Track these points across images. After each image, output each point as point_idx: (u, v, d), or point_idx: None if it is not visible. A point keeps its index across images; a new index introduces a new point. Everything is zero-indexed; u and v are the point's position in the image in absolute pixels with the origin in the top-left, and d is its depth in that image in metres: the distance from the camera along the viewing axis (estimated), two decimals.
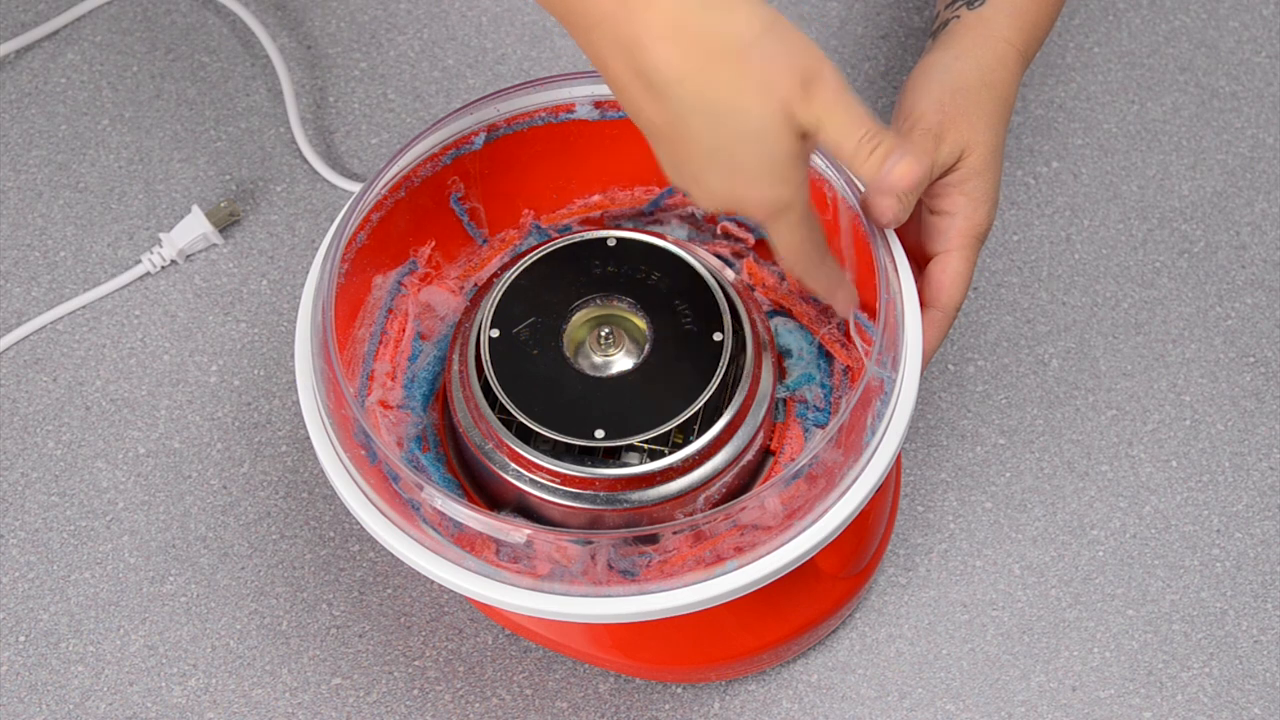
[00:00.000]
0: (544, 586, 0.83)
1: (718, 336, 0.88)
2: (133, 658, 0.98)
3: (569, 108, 0.94)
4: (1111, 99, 1.15)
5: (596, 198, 0.97)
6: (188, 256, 1.09)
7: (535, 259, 0.90)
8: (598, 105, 0.94)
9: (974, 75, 0.93)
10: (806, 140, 0.78)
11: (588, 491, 0.86)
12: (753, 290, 0.94)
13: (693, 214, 0.97)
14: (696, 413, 0.86)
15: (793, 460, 0.89)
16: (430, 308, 0.94)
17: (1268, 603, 0.99)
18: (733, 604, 0.84)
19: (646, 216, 0.97)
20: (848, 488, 0.84)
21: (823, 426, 0.91)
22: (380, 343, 0.93)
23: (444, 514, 0.84)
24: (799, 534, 0.83)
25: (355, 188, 1.10)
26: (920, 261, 0.92)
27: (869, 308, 0.91)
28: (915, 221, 0.93)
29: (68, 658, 0.98)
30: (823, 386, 0.91)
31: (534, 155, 0.95)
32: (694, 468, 0.86)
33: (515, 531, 0.83)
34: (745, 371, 0.88)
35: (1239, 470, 1.03)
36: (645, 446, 0.86)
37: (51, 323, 1.07)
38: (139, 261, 1.08)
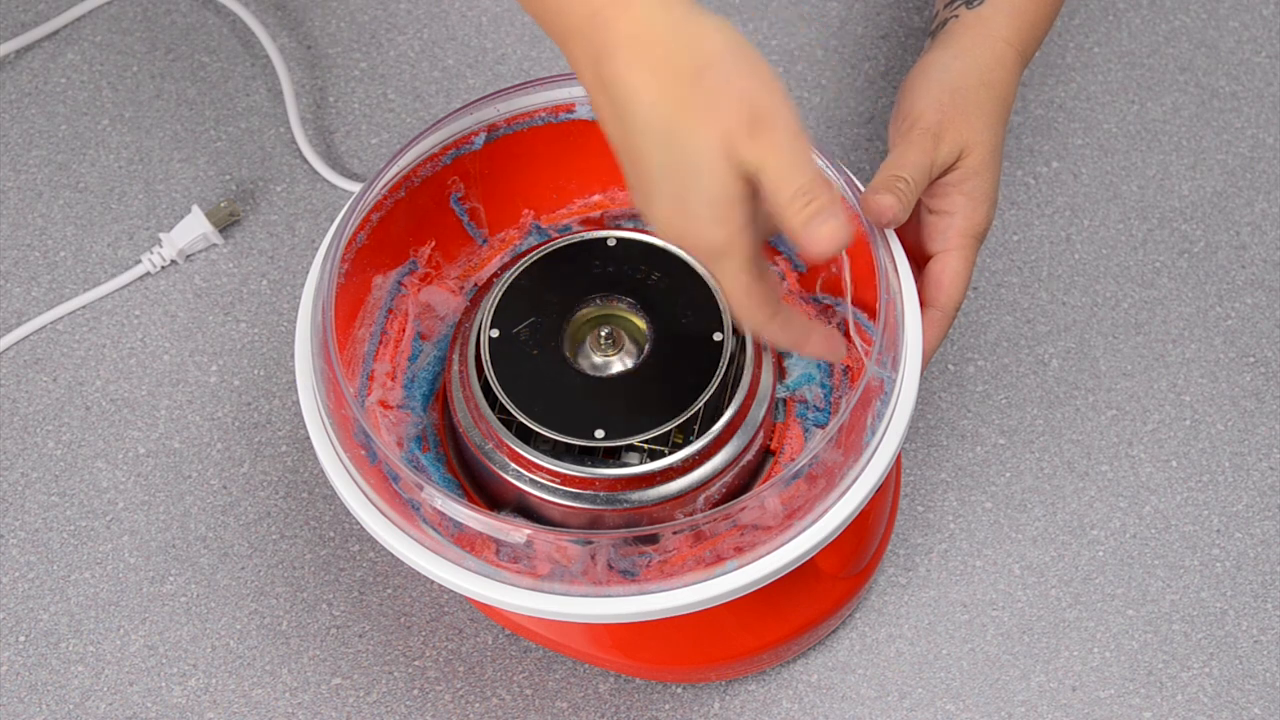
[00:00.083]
0: (544, 586, 0.83)
1: (718, 336, 0.88)
2: (133, 658, 0.98)
3: (569, 108, 0.94)
4: (1111, 99, 1.15)
5: (596, 198, 0.97)
6: (188, 256, 1.09)
7: (535, 259, 0.90)
8: None
9: (973, 75, 0.93)
10: (749, 184, 0.73)
11: (588, 491, 0.86)
12: None
13: None
14: (696, 413, 0.86)
15: (793, 460, 0.89)
16: (430, 308, 0.94)
17: (1268, 603, 0.99)
18: (733, 604, 0.84)
19: None
20: (848, 488, 0.84)
21: (823, 426, 0.91)
22: (380, 343, 0.93)
23: (444, 514, 0.84)
24: (799, 534, 0.83)
25: (355, 188, 1.10)
26: (919, 261, 0.92)
27: (869, 308, 0.91)
28: (914, 221, 0.93)
29: (68, 658, 0.98)
30: (823, 386, 0.91)
31: (534, 155, 0.95)
32: (694, 468, 0.86)
33: (515, 531, 0.83)
34: (745, 371, 0.88)
35: (1239, 470, 1.03)
36: (645, 446, 0.86)
37: (51, 323, 1.07)
38: (139, 261, 1.08)
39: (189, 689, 0.97)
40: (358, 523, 0.89)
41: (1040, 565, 1.00)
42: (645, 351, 0.88)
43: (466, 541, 0.84)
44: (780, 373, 0.92)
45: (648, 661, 0.94)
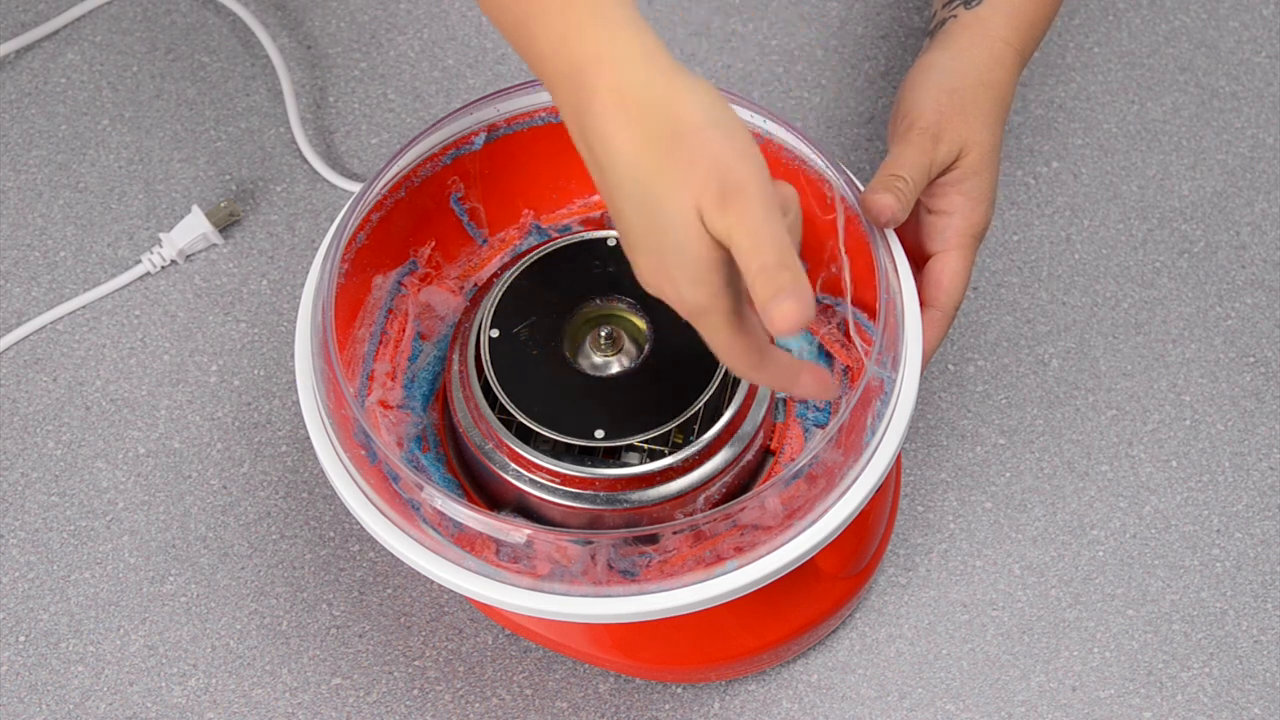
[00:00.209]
0: (544, 586, 0.83)
1: None
2: (133, 658, 0.98)
3: None
4: (1111, 99, 1.15)
5: (596, 198, 0.97)
6: (188, 256, 1.09)
7: (535, 259, 0.90)
8: None
9: (971, 75, 0.93)
10: (725, 248, 0.73)
11: (588, 491, 0.86)
12: None
13: None
14: (696, 413, 0.86)
15: (793, 460, 0.89)
16: (430, 308, 0.94)
17: (1268, 603, 0.99)
18: (733, 604, 0.84)
19: None
20: (848, 488, 0.84)
21: (823, 426, 0.91)
22: (380, 343, 0.93)
23: (444, 514, 0.84)
24: (799, 534, 0.83)
25: (355, 188, 1.10)
26: (919, 261, 0.92)
27: (869, 308, 0.91)
28: (914, 221, 0.93)
29: (68, 658, 0.98)
30: None
31: (534, 155, 0.95)
32: (694, 468, 0.86)
33: (515, 531, 0.83)
34: None
35: (1239, 470, 1.03)
36: (645, 446, 0.86)
37: (51, 323, 1.07)
38: (139, 261, 1.08)
39: (189, 689, 0.97)
40: (358, 523, 0.89)
41: (1040, 565, 1.00)
42: (645, 351, 0.88)
43: (466, 541, 0.84)
44: None
45: (648, 661, 0.94)
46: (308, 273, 0.95)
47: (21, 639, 0.98)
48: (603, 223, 0.97)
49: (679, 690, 0.97)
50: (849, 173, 0.90)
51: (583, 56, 0.74)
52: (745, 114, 0.92)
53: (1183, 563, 1.00)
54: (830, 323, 0.93)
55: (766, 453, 0.91)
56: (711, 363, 0.87)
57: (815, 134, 1.13)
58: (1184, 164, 1.13)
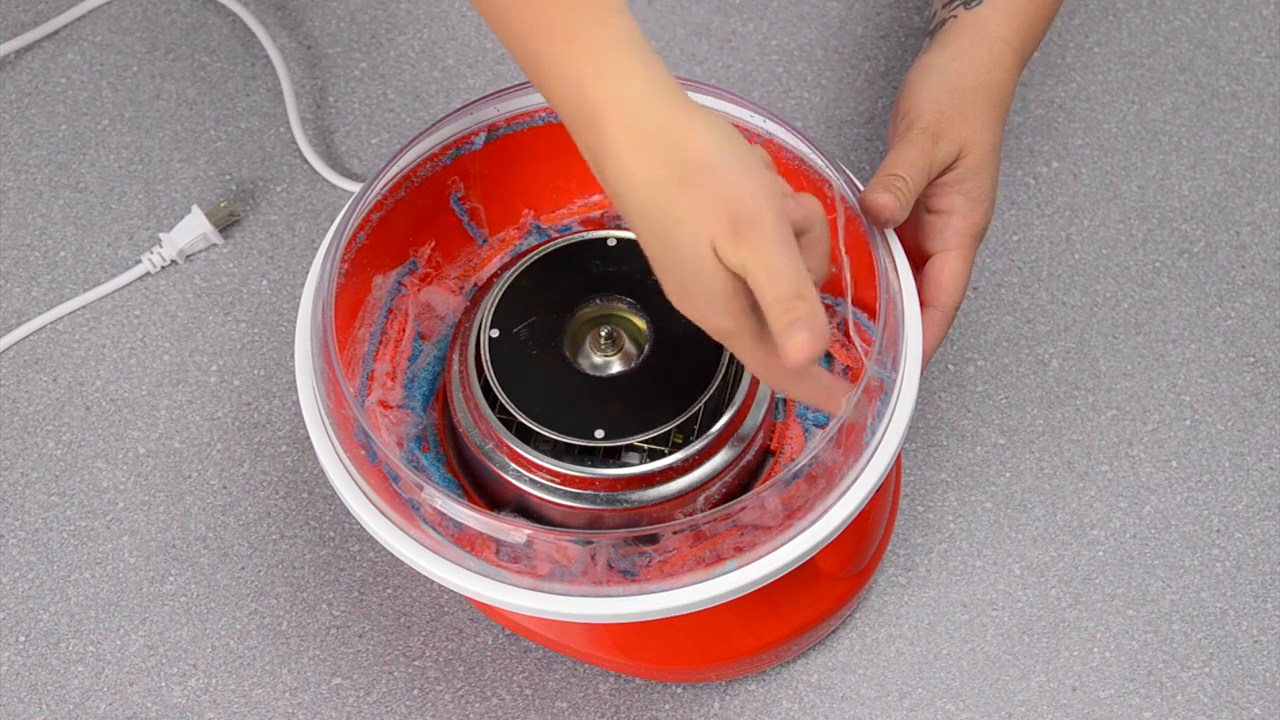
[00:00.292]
0: (544, 586, 0.83)
1: None
2: (133, 658, 0.98)
3: None
4: (1111, 99, 1.15)
5: (596, 198, 0.97)
6: (188, 256, 1.09)
7: (535, 259, 0.90)
8: None
9: (971, 75, 0.93)
10: (742, 278, 0.75)
11: (588, 491, 0.86)
12: None
13: None
14: (696, 413, 0.86)
15: (793, 460, 0.89)
16: (430, 308, 0.94)
17: (1268, 603, 0.99)
18: (733, 604, 0.84)
19: None
20: (848, 488, 0.84)
21: (823, 426, 0.91)
22: (380, 343, 0.93)
23: (444, 514, 0.84)
24: (799, 534, 0.83)
25: (355, 188, 1.10)
26: (919, 261, 0.92)
27: (869, 308, 0.91)
28: (913, 221, 0.93)
29: (68, 658, 0.98)
30: None
31: (534, 155, 0.95)
32: (694, 468, 0.86)
33: (515, 531, 0.83)
34: (745, 371, 0.87)
35: (1239, 470, 1.03)
36: (645, 446, 0.86)
37: (51, 323, 1.07)
38: (139, 261, 1.08)
39: (189, 689, 0.97)
40: (358, 523, 0.89)
41: (1040, 565, 1.00)
42: (645, 351, 0.88)
43: (466, 541, 0.84)
44: None
45: (648, 661, 0.94)
46: (308, 273, 0.95)
47: (21, 639, 0.98)
48: (603, 223, 0.97)
49: (679, 690, 0.97)
50: (849, 173, 0.90)
51: (597, 98, 0.75)
52: (745, 114, 0.92)
53: (1183, 563, 1.00)
54: (830, 323, 0.93)
55: (766, 453, 0.91)
56: (712, 363, 0.87)
57: (815, 134, 1.13)
58: (1184, 164, 1.13)
